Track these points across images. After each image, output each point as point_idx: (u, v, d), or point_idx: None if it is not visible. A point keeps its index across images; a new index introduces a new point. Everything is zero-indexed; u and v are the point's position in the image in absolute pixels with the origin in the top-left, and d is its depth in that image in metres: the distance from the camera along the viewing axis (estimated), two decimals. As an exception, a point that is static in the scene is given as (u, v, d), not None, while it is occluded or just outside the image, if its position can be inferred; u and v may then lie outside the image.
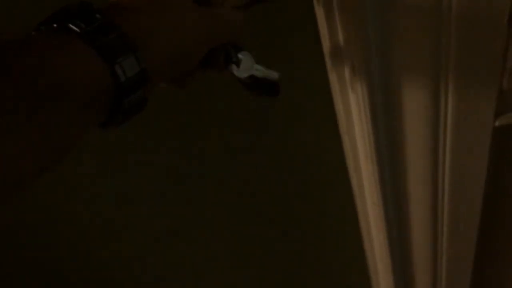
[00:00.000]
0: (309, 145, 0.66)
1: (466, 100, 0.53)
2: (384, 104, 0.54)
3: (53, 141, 0.25)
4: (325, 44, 0.52)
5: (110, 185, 0.67)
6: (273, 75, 0.45)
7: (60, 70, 0.24)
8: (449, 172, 0.61)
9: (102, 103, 0.27)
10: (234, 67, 0.42)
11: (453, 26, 0.46)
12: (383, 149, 0.59)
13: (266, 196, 0.72)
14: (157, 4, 0.30)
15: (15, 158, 0.23)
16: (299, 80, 0.57)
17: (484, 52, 0.49)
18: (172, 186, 0.69)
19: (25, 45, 0.24)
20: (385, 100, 0.53)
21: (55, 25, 0.26)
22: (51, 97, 0.23)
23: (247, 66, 0.42)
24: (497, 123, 0.56)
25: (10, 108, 0.22)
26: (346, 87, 0.54)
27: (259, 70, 0.44)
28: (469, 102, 0.53)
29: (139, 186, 0.69)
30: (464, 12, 0.45)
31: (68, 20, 0.26)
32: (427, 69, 0.50)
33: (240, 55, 0.41)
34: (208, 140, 0.65)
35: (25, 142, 0.23)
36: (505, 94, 0.54)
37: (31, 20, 0.27)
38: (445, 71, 0.50)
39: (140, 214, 0.73)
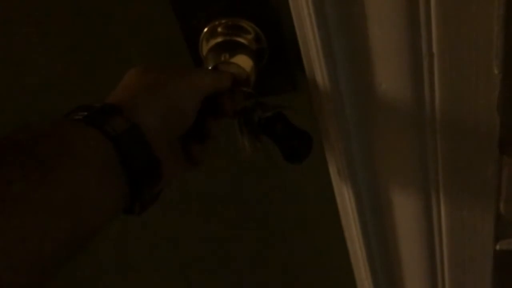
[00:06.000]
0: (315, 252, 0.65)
1: (460, 221, 0.51)
2: (375, 224, 0.53)
3: (70, 212, 0.26)
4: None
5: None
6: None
7: (70, 142, 0.29)
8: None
9: (115, 177, 0.30)
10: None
11: (439, 153, 0.46)
12: (376, 257, 0.57)
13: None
14: (152, 90, 0.35)
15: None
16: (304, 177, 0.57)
17: (475, 176, 0.48)
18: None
19: (47, 130, 0.30)
20: (376, 221, 0.53)
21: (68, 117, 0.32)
22: (62, 162, 0.27)
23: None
24: (497, 247, 0.54)
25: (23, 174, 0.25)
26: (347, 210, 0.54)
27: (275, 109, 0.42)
28: (464, 223, 0.51)
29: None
30: (451, 134, 0.45)
31: (77, 113, 0.32)
32: (415, 189, 0.49)
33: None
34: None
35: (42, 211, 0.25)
36: (503, 220, 0.52)
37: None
38: (436, 195, 0.49)
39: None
